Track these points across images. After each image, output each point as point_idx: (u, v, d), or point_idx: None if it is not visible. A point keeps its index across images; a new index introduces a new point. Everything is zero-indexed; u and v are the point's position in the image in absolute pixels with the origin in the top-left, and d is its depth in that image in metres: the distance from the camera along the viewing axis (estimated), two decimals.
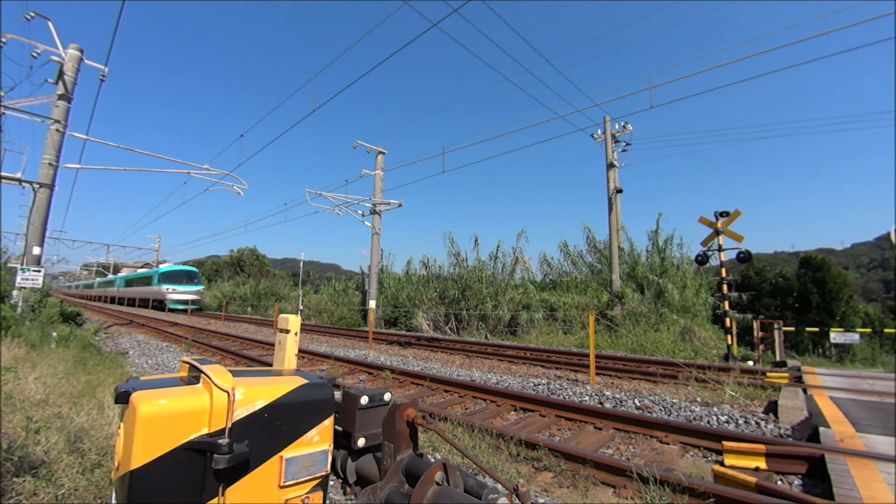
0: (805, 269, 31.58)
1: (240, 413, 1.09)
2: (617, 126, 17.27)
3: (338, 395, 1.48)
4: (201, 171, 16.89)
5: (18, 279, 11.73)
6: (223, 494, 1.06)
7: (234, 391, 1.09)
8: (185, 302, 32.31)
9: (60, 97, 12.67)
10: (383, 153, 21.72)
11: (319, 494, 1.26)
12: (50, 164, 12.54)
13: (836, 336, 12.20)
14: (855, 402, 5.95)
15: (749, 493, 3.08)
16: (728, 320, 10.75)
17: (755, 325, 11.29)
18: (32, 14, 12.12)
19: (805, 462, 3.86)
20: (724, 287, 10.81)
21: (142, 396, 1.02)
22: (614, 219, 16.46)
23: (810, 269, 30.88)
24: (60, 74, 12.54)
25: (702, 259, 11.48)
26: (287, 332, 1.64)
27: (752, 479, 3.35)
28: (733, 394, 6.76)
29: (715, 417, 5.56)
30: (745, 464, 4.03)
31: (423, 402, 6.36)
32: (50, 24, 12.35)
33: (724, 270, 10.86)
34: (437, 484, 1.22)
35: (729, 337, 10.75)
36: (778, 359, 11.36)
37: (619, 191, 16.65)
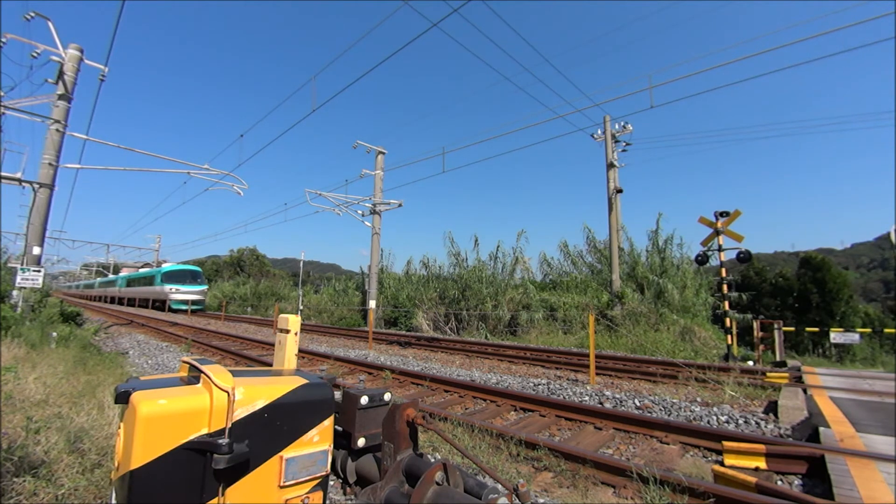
0: (805, 269, 31.59)
1: (240, 413, 1.09)
2: (617, 126, 17.28)
3: (338, 395, 1.48)
4: (201, 171, 16.90)
5: (18, 279, 11.73)
6: (223, 494, 1.06)
7: (234, 391, 1.09)
8: (189, 302, 31.36)
9: (60, 97, 12.67)
10: (383, 153, 21.73)
11: (319, 494, 1.26)
12: (50, 164, 12.54)
13: (836, 336, 12.20)
14: (855, 402, 5.95)
15: (749, 493, 3.08)
16: (728, 320, 10.75)
17: (755, 325, 11.29)
18: (32, 14, 12.12)
19: (805, 462, 3.86)
20: (724, 287, 10.81)
21: (142, 396, 1.02)
22: (614, 219, 16.46)
23: (810, 269, 30.88)
24: (60, 74, 12.54)
25: (702, 259, 11.48)
26: (287, 332, 1.64)
27: (752, 479, 3.35)
28: (733, 394, 6.76)
29: (715, 417, 5.56)
30: (745, 464, 4.03)
31: (423, 402, 6.36)
32: (50, 24, 12.35)
33: (724, 270, 10.86)
34: (437, 484, 1.22)
35: (729, 337, 10.75)
36: (778, 359, 11.36)
37: (619, 191, 16.66)
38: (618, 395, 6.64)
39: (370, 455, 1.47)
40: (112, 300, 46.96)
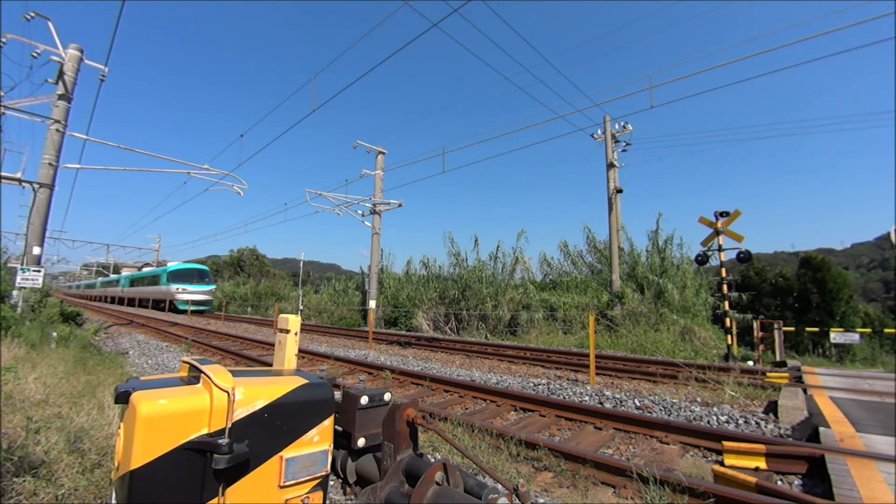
0: (805, 269, 31.59)
1: (240, 413, 1.09)
2: (617, 126, 17.28)
3: (338, 395, 1.48)
4: (201, 171, 16.90)
5: (18, 279, 11.73)
6: (223, 494, 1.06)
7: (234, 391, 1.09)
8: (197, 303, 30.07)
9: (60, 97, 12.67)
10: (383, 153, 21.73)
11: (319, 494, 1.26)
12: (50, 164, 12.55)
13: (836, 336, 12.20)
14: (855, 402, 5.95)
15: (749, 493, 3.08)
16: (728, 320, 10.75)
17: (755, 325, 11.29)
18: (32, 14, 12.12)
19: (805, 462, 3.86)
20: (724, 287, 10.81)
21: (142, 396, 1.02)
22: (614, 219, 16.46)
23: (810, 269, 30.89)
24: (60, 74, 12.54)
25: (702, 259, 11.48)
26: (287, 332, 1.64)
27: (752, 479, 3.35)
28: (733, 394, 6.76)
29: (715, 417, 5.56)
30: (745, 464, 4.03)
31: (423, 402, 6.36)
32: (50, 24, 12.35)
33: (724, 270, 10.86)
34: (437, 484, 1.22)
35: (729, 337, 10.75)
36: (778, 359, 11.36)
37: (619, 191, 16.66)
38: (618, 395, 6.64)
39: (370, 455, 1.47)
40: (114, 300, 46.12)
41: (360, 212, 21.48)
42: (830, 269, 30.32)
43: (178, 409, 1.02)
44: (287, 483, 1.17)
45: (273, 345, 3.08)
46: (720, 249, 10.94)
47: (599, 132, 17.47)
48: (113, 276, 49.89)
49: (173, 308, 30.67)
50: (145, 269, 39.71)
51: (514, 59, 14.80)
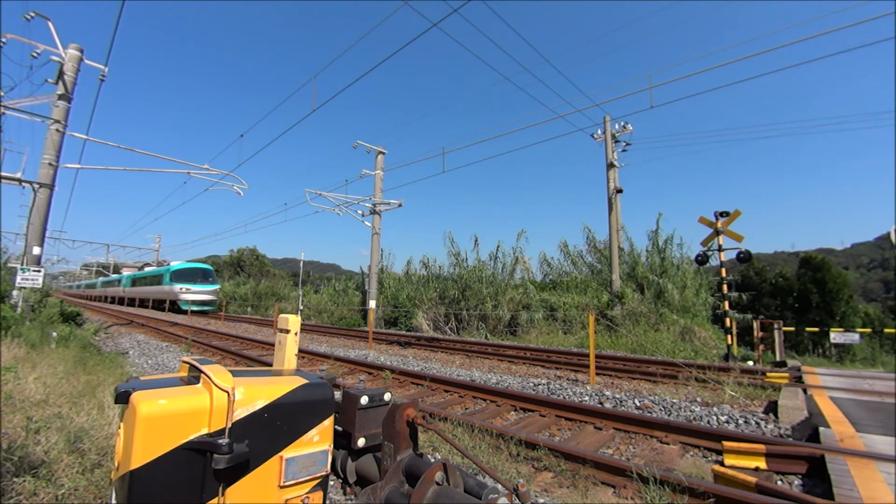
0: (805, 269, 31.60)
1: (240, 413, 1.09)
2: (617, 126, 17.28)
3: (338, 395, 1.48)
4: (201, 171, 16.90)
5: (18, 279, 11.73)
6: (223, 494, 1.06)
7: (234, 391, 1.09)
8: (201, 303, 29.34)
9: (60, 97, 12.67)
10: (383, 153, 21.73)
11: (319, 494, 1.26)
12: (50, 164, 12.55)
13: (836, 336, 12.21)
14: (855, 402, 5.95)
15: (749, 493, 3.08)
16: (728, 320, 10.75)
17: (755, 325, 11.29)
18: (32, 14, 12.12)
19: (805, 462, 3.86)
20: (724, 287, 10.81)
21: (142, 396, 1.02)
22: (614, 219, 16.46)
23: (810, 269, 30.90)
24: (60, 74, 12.54)
25: (702, 259, 11.48)
26: (287, 332, 1.64)
27: (752, 479, 3.35)
28: (733, 394, 6.76)
29: (715, 417, 5.56)
30: (745, 464, 4.03)
31: (423, 402, 6.36)
32: (50, 24, 12.35)
33: (724, 270, 10.86)
34: (437, 484, 1.22)
35: (729, 337, 10.75)
36: (778, 359, 11.36)
37: (619, 191, 16.66)
38: (618, 395, 6.64)
39: (370, 455, 1.47)
40: (114, 300, 45.72)
41: (360, 212, 21.48)
42: (830, 269, 30.33)
43: (178, 409, 1.02)
44: (287, 483, 1.17)
45: (273, 345, 3.09)
46: (720, 249, 10.94)
47: (599, 132, 17.47)
48: (114, 276, 49.00)
49: (177, 308, 29.96)
50: (147, 269, 38.77)
51: (514, 59, 14.82)
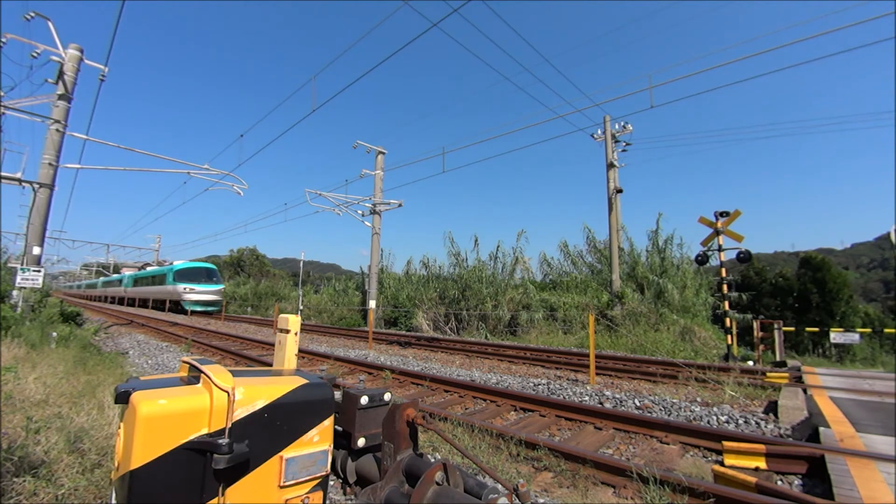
0: (805, 269, 31.61)
1: (240, 413, 1.09)
2: (617, 126, 17.28)
3: (338, 395, 1.48)
4: (201, 171, 16.90)
5: (18, 279, 11.73)
6: (223, 494, 1.06)
7: (234, 391, 1.09)
8: (206, 303, 28.59)
9: (60, 97, 12.67)
10: (383, 153, 21.73)
11: (319, 494, 1.26)
12: (50, 164, 12.55)
13: (836, 336, 12.21)
14: (855, 402, 5.95)
15: (749, 493, 3.08)
16: (728, 320, 10.75)
17: (755, 325, 11.29)
18: (32, 14, 12.12)
19: (805, 462, 3.86)
20: (724, 287, 10.81)
21: (142, 396, 1.02)
22: (614, 219, 16.46)
23: (810, 269, 30.90)
24: (60, 74, 12.54)
25: (702, 259, 11.49)
26: (287, 332, 1.64)
27: (752, 479, 3.35)
28: (733, 394, 6.76)
29: (715, 417, 5.56)
30: (745, 464, 4.03)
31: (423, 402, 6.36)
32: (50, 24, 12.35)
33: (724, 270, 10.86)
34: (437, 484, 1.22)
35: (729, 337, 10.75)
36: (778, 359, 11.36)
37: (619, 191, 16.66)
38: (618, 395, 6.64)
39: (370, 455, 1.47)
40: (114, 301, 45.31)
41: (360, 212, 21.48)
42: (830, 269, 30.33)
43: (178, 409, 1.02)
44: (287, 483, 1.17)
45: (273, 345, 3.08)
46: (720, 249, 10.94)
47: (599, 132, 17.47)
48: (115, 276, 48.17)
49: (180, 309, 29.23)
50: (150, 268, 38.02)
51: (514, 59, 14.81)
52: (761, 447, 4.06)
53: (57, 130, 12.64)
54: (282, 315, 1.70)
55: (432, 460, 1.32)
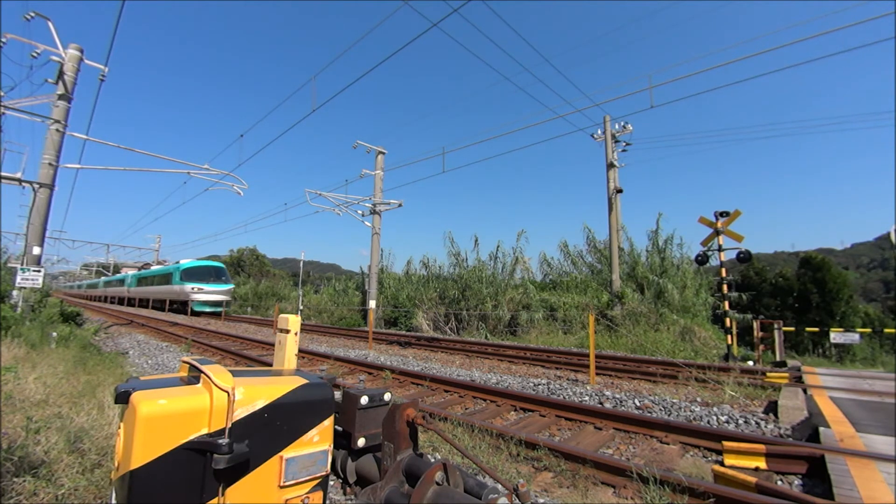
0: (805, 269, 31.62)
1: (240, 413, 1.09)
2: (617, 126, 17.28)
3: (338, 395, 1.48)
4: (201, 171, 16.90)
5: (18, 279, 11.73)
6: (223, 494, 1.06)
7: (234, 391, 1.09)
8: (215, 303, 27.31)
9: (60, 97, 12.67)
10: (383, 153, 21.73)
11: (319, 494, 1.26)
12: (50, 164, 12.55)
13: (836, 336, 12.21)
14: (855, 402, 5.95)
15: (749, 493, 3.08)
16: (728, 320, 10.75)
17: (755, 325, 11.29)
18: (32, 14, 12.12)
19: (805, 462, 3.86)
20: (724, 287, 10.81)
21: (142, 396, 1.02)
22: (614, 219, 16.46)
23: (810, 269, 30.91)
24: (60, 74, 12.54)
25: (702, 259, 11.48)
26: (287, 332, 1.64)
27: (752, 479, 3.35)
28: (733, 394, 6.76)
29: (715, 417, 5.56)
30: (745, 464, 4.03)
31: (423, 402, 6.36)
32: (50, 24, 12.35)
33: (724, 270, 10.86)
34: (437, 484, 1.22)
35: (729, 337, 10.75)
36: (778, 359, 11.36)
37: (619, 191, 16.66)
38: (618, 395, 6.64)
39: (370, 455, 1.47)
40: (115, 301, 44.63)
41: (360, 212, 21.49)
42: (830, 269, 30.35)
43: (178, 409, 1.02)
44: (287, 483, 1.17)
45: (273, 345, 3.08)
46: (720, 249, 10.94)
47: (599, 132, 17.47)
48: (118, 276, 47.02)
49: (181, 308, 28.57)
50: (155, 268, 36.85)
51: (514, 59, 14.81)
52: (761, 447, 4.05)
53: (57, 130, 12.64)
54: (282, 315, 1.70)
55: (432, 460, 1.32)
